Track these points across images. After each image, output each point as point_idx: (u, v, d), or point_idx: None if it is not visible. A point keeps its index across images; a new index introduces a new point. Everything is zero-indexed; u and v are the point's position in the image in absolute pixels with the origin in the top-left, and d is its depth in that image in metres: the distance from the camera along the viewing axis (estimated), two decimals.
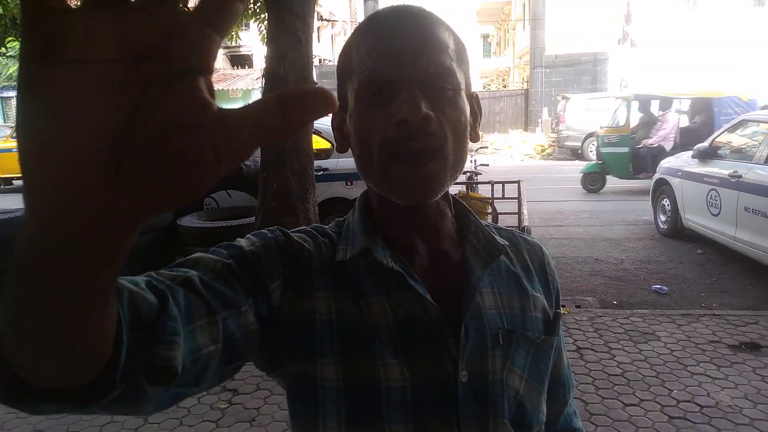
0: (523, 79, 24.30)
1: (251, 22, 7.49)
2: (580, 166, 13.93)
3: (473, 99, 0.72)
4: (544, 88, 19.96)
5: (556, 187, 11.00)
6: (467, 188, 5.82)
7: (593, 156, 14.81)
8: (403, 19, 0.64)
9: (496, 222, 5.28)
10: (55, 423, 3.03)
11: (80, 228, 0.27)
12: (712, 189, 5.65)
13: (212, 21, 0.27)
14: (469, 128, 0.67)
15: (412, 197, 0.65)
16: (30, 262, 0.29)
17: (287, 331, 0.65)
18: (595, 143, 13.93)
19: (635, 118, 9.84)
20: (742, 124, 5.88)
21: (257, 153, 5.28)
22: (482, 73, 36.64)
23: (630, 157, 9.37)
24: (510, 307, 0.72)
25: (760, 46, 19.69)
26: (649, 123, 9.73)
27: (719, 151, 5.89)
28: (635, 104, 9.78)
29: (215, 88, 0.29)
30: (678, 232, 6.60)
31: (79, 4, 0.25)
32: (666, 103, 9.65)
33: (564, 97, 16.21)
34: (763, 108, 8.22)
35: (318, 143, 5.79)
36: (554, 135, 16.27)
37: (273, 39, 4.33)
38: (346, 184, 6.03)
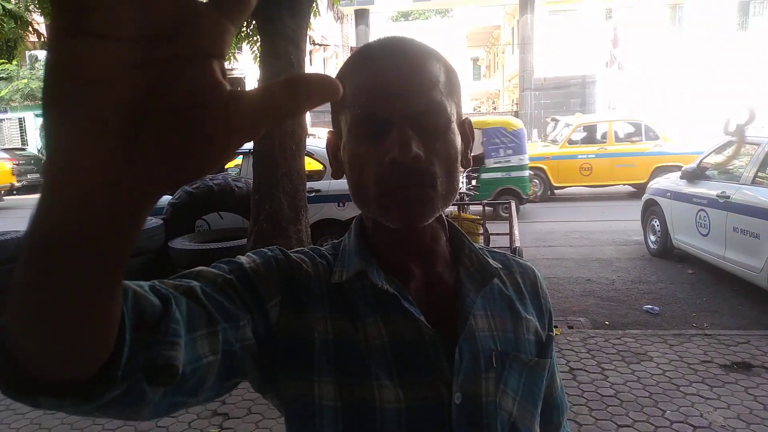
0: (513, 101, 24.59)
1: (244, 44, 7.56)
2: (571, 186, 14.04)
3: (465, 125, 0.73)
4: (533, 110, 20.19)
5: (547, 207, 11.05)
6: (459, 209, 5.84)
7: None
8: (394, 55, 0.65)
9: (488, 243, 5.30)
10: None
11: (98, 194, 0.28)
12: (701, 209, 5.71)
13: (227, 11, 0.29)
14: (460, 157, 0.69)
15: (404, 222, 0.66)
16: (45, 239, 0.30)
17: (285, 348, 0.66)
18: None
19: None
20: (729, 145, 5.96)
21: (249, 175, 5.29)
22: (472, 95, 37.05)
23: None
24: (503, 329, 0.73)
25: (743, 67, 20.07)
26: None
27: (707, 172, 5.97)
28: None
29: None
30: (668, 252, 6.64)
31: None
32: None
33: (553, 119, 16.38)
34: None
35: (310, 165, 5.81)
36: None
37: (265, 62, 4.38)
38: (339, 205, 6.05)
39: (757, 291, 5.01)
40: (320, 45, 27.10)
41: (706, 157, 6.14)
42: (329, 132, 0.75)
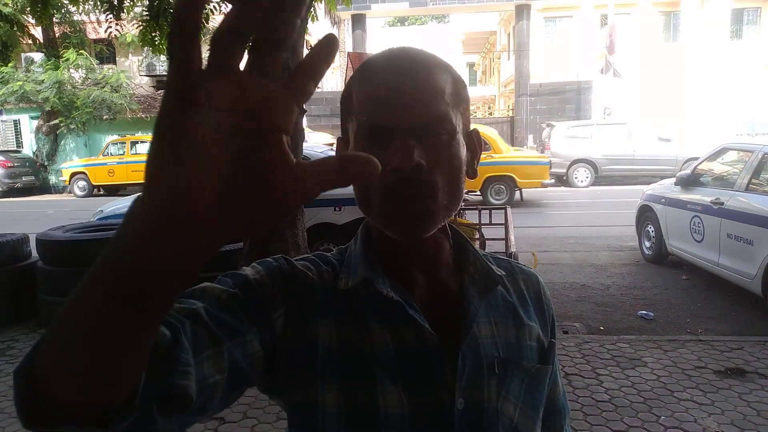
0: (509, 106, 24.65)
1: None
2: (566, 192, 14.12)
3: (472, 136, 0.74)
4: (529, 115, 20.24)
5: (542, 212, 11.09)
6: (455, 215, 5.84)
7: (579, 182, 15.03)
8: (401, 65, 0.67)
9: (484, 248, 5.31)
10: None
11: (182, 240, 0.33)
12: (696, 216, 5.74)
13: (296, 96, 0.35)
14: (465, 167, 0.70)
15: (407, 234, 0.67)
16: (118, 276, 0.34)
17: (290, 356, 0.67)
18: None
19: None
20: (723, 152, 6.01)
21: None
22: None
23: None
24: (506, 336, 0.74)
25: (737, 75, 20.22)
26: None
27: (701, 179, 6.00)
28: None
29: None
30: (662, 258, 6.68)
31: (207, 65, 0.33)
32: None
33: (549, 125, 16.47)
34: None
35: None
36: None
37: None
38: (335, 209, 6.05)
39: (750, 297, 5.03)
40: None
41: (700, 163, 6.19)
42: (338, 139, 0.76)
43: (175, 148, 0.32)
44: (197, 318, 0.57)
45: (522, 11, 20.94)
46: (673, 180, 6.42)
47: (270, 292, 0.67)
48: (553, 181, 13.53)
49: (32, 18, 7.98)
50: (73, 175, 17.31)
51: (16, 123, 20.90)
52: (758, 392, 3.47)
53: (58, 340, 0.36)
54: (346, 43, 27.05)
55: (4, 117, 20.45)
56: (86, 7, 8.01)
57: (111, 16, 6.49)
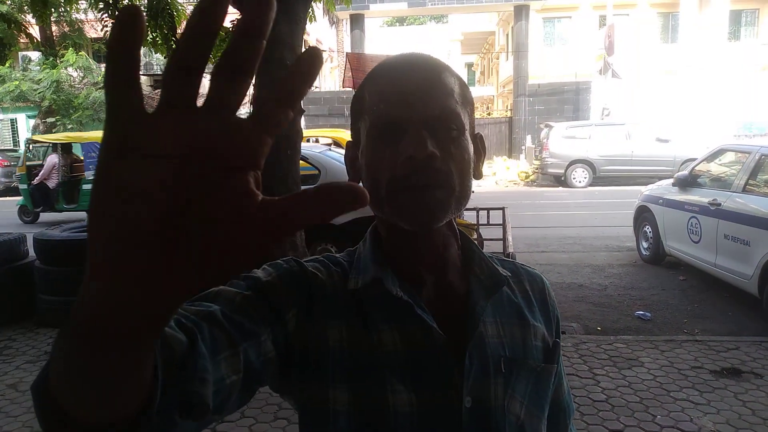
0: (507, 107, 24.66)
1: None
2: (564, 192, 14.14)
3: (477, 139, 0.76)
4: (527, 116, 20.26)
5: (540, 213, 11.10)
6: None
7: (577, 183, 15.06)
8: (413, 65, 0.70)
9: (482, 248, 5.30)
10: None
11: (133, 296, 0.30)
12: (693, 216, 5.76)
13: (266, 125, 0.30)
14: (472, 166, 0.72)
15: (418, 222, 0.68)
16: (83, 325, 0.32)
17: (302, 356, 0.68)
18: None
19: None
20: (721, 153, 6.03)
21: None
22: None
23: (29, 192, 11.13)
24: (511, 336, 0.76)
25: (735, 77, 20.28)
26: (49, 164, 11.19)
27: (699, 180, 6.02)
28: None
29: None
30: (660, 258, 6.69)
31: (158, 104, 0.29)
32: (65, 147, 11.49)
33: (547, 125, 16.47)
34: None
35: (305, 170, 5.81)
36: (538, 162, 16.49)
37: (262, 68, 4.37)
38: None
39: (747, 298, 5.05)
40: None
41: (698, 164, 6.20)
42: (348, 142, 0.78)
43: (111, 205, 0.29)
44: (214, 320, 0.57)
45: (520, 12, 20.97)
46: (671, 181, 6.43)
47: (282, 294, 0.68)
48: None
49: (33, 17, 7.97)
50: None
51: (13, 122, 20.87)
52: (754, 392, 3.49)
53: (57, 368, 0.36)
54: (345, 44, 27.06)
55: (1, 116, 20.41)
56: (78, 5, 7.99)
57: (107, 15, 6.48)
